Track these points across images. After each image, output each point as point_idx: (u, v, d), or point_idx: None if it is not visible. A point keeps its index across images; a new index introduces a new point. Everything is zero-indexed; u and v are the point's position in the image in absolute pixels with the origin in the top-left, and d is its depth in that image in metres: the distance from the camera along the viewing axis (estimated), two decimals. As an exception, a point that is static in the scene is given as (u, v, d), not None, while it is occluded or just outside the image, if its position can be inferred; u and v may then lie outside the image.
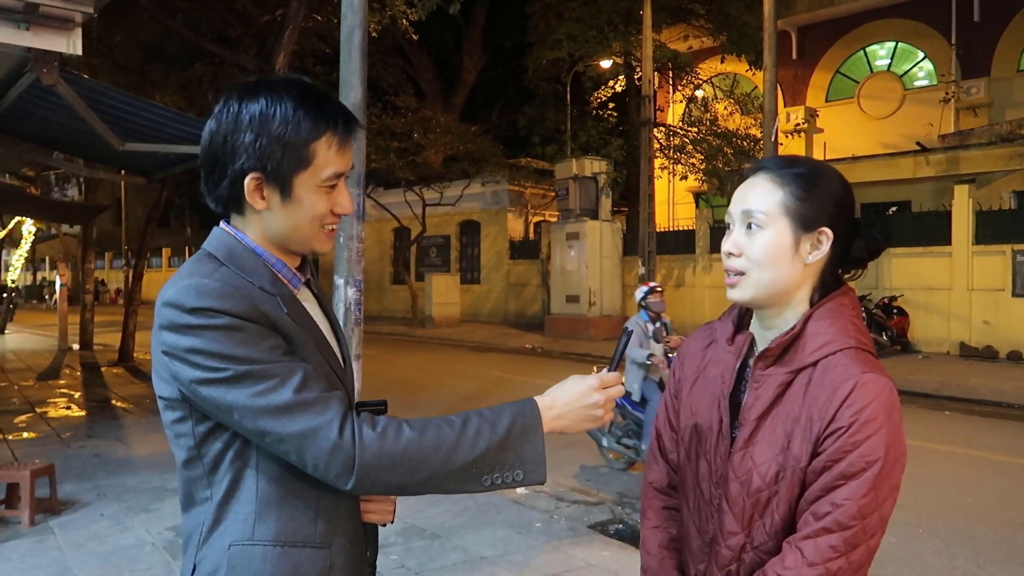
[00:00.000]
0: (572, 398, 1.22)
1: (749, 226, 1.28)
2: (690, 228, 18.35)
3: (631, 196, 19.20)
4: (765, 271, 1.27)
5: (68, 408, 9.05)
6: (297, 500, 1.16)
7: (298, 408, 1.08)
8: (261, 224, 1.21)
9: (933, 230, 14.01)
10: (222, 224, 1.24)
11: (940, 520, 5.09)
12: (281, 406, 1.07)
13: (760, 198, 1.28)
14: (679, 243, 18.17)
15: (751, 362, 1.33)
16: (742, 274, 1.29)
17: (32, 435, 7.47)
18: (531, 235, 22.73)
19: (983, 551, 4.57)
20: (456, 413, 1.18)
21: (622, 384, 1.27)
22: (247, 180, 1.17)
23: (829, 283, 1.31)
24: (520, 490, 5.77)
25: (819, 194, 1.27)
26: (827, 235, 1.26)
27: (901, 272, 14.24)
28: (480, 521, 4.87)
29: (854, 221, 1.31)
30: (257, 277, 1.18)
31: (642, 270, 15.44)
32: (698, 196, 22.54)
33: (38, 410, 8.80)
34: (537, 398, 1.21)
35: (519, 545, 4.45)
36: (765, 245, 1.26)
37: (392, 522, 1.38)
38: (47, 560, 4.17)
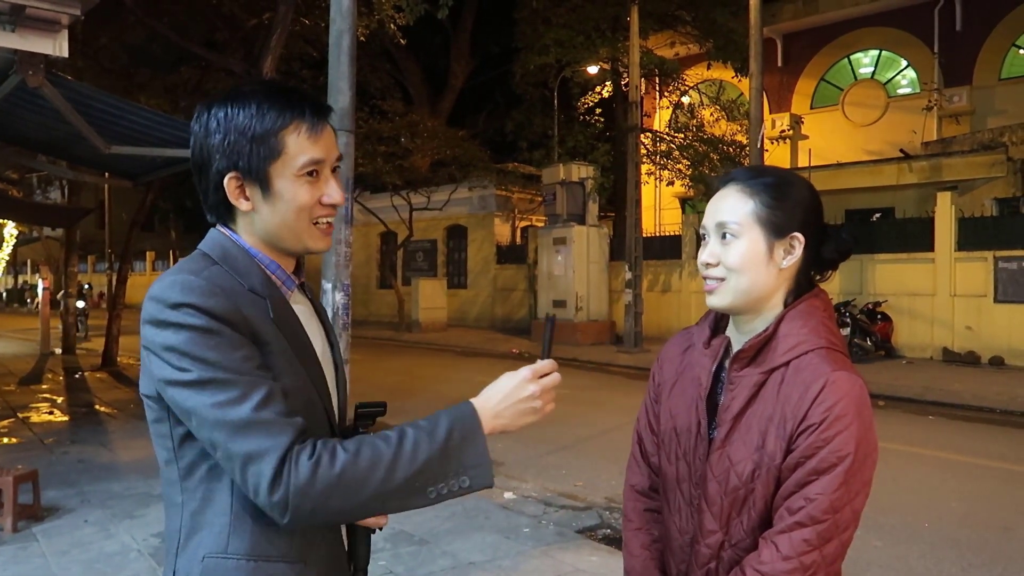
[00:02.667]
0: (506, 394, 1.17)
1: (724, 236, 1.33)
2: (676, 233, 18.44)
3: (618, 201, 19.26)
4: (742, 277, 1.31)
5: (51, 413, 8.96)
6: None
7: (252, 428, 1.04)
8: (252, 226, 1.20)
9: (916, 236, 14.15)
10: (218, 226, 1.23)
11: (924, 524, 5.14)
12: (236, 422, 1.04)
13: (732, 209, 1.32)
14: (665, 248, 18.26)
15: (727, 364, 1.37)
16: (721, 280, 1.33)
17: (14, 441, 7.40)
18: (518, 240, 22.75)
19: (967, 555, 4.61)
20: (392, 428, 1.13)
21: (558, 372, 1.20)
22: (226, 181, 1.17)
23: (803, 285, 1.35)
24: (508, 495, 5.77)
25: (788, 201, 1.31)
26: (799, 240, 1.31)
27: (885, 278, 14.37)
28: (468, 526, 4.87)
29: (823, 225, 1.36)
30: (249, 278, 1.17)
31: (629, 275, 15.49)
32: (684, 202, 22.64)
33: (20, 415, 8.71)
34: (473, 400, 1.18)
35: (507, 550, 4.45)
36: (740, 253, 1.31)
37: (384, 525, 1.34)
38: (31, 567, 4.13)
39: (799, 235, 1.31)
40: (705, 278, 1.36)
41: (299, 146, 1.16)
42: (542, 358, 1.23)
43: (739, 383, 1.32)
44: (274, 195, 1.17)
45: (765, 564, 1.22)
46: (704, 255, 1.35)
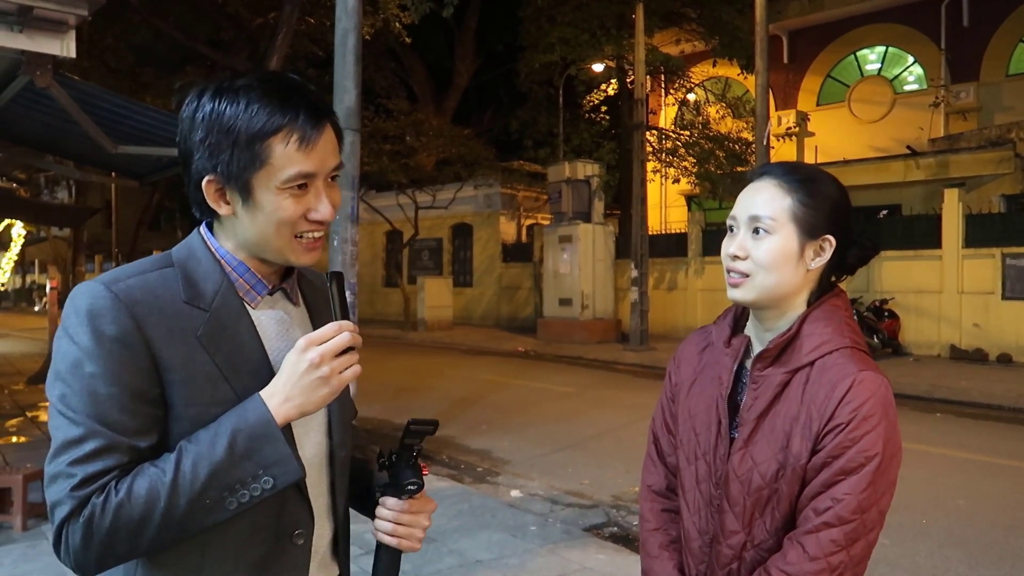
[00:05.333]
0: (288, 374, 1.05)
1: (756, 230, 1.30)
2: (682, 231, 18.41)
3: (623, 199, 19.25)
4: (770, 275, 1.29)
5: (59, 412, 9.00)
6: (182, 544, 1.07)
7: (59, 478, 1.00)
8: (235, 232, 1.12)
9: (923, 233, 14.10)
10: (201, 226, 1.16)
11: (932, 522, 5.13)
12: (51, 473, 1.01)
13: (767, 203, 1.30)
14: (671, 246, 18.23)
15: (748, 364, 1.36)
16: (746, 276, 1.30)
17: (23, 439, 7.43)
18: (524, 238, 22.74)
19: (975, 553, 4.60)
20: (177, 445, 1.03)
21: (351, 331, 1.07)
22: (204, 183, 1.07)
23: (825, 287, 1.34)
24: (515, 493, 5.78)
25: (823, 201, 1.30)
26: (830, 242, 1.30)
27: (892, 275, 14.32)
28: (475, 525, 4.87)
29: (851, 228, 1.34)
30: (200, 285, 1.09)
31: (634, 273, 15.48)
32: (690, 199, 22.60)
33: (29, 414, 8.75)
34: (261, 392, 1.06)
35: (514, 549, 4.45)
36: (772, 250, 1.28)
37: (418, 550, 1.24)
38: (40, 565, 4.15)
39: (831, 237, 1.30)
40: (729, 271, 1.33)
41: (286, 157, 1.05)
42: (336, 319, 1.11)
43: (762, 382, 1.31)
44: (255, 205, 1.07)
45: (792, 565, 1.21)
46: (732, 247, 1.32)
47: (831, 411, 1.22)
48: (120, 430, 1.01)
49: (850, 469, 1.20)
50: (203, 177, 1.07)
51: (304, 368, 1.04)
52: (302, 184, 1.08)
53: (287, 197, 1.07)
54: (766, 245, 1.29)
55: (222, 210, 1.09)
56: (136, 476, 1.00)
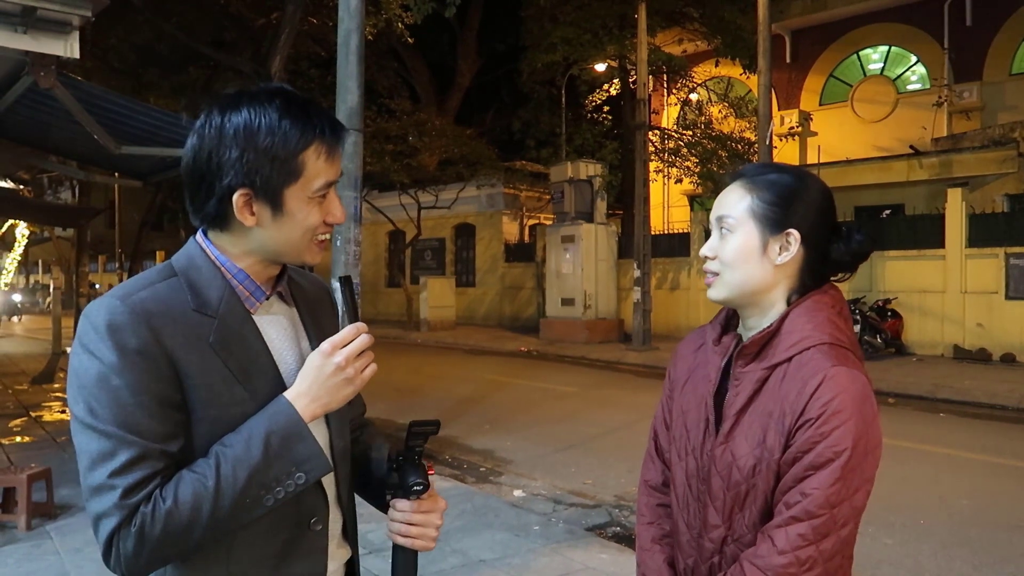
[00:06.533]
0: (314, 376, 1.13)
1: (723, 231, 1.35)
2: (685, 231, 18.41)
3: (626, 199, 19.24)
4: (735, 272, 1.33)
5: (63, 412, 9.02)
6: (207, 548, 1.11)
7: (103, 491, 1.03)
8: (249, 240, 1.17)
9: (926, 233, 14.07)
10: (199, 232, 1.21)
11: (936, 522, 5.12)
12: (91, 486, 1.04)
13: (731, 204, 1.35)
14: (674, 246, 18.23)
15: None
16: (716, 274, 1.36)
17: (27, 439, 7.46)
18: (526, 238, 22.75)
19: (979, 553, 4.59)
20: (210, 451, 1.09)
21: (367, 333, 1.16)
22: (236, 197, 1.12)
23: (809, 284, 1.35)
24: (517, 493, 5.79)
25: (788, 198, 1.32)
26: (794, 236, 1.31)
27: (895, 275, 14.30)
28: (478, 524, 4.88)
29: (832, 224, 1.35)
30: (205, 293, 1.14)
31: (637, 273, 15.47)
32: (693, 199, 22.56)
33: (33, 414, 8.78)
34: (286, 393, 1.13)
35: (517, 548, 4.46)
36: (734, 248, 1.33)
37: (431, 548, 1.29)
38: (44, 565, 4.17)
39: (795, 232, 1.31)
40: (705, 271, 1.38)
41: (317, 168, 1.14)
42: (345, 324, 1.18)
43: (743, 379, 1.33)
44: (286, 215, 1.15)
45: (761, 558, 1.23)
46: (704, 248, 1.38)
47: (802, 406, 1.23)
48: (152, 437, 1.05)
49: (819, 464, 1.21)
50: (234, 191, 1.12)
51: (331, 370, 1.13)
52: (325, 193, 1.17)
53: (315, 205, 1.16)
54: (729, 243, 1.34)
55: (248, 221, 1.14)
56: (179, 483, 1.05)
